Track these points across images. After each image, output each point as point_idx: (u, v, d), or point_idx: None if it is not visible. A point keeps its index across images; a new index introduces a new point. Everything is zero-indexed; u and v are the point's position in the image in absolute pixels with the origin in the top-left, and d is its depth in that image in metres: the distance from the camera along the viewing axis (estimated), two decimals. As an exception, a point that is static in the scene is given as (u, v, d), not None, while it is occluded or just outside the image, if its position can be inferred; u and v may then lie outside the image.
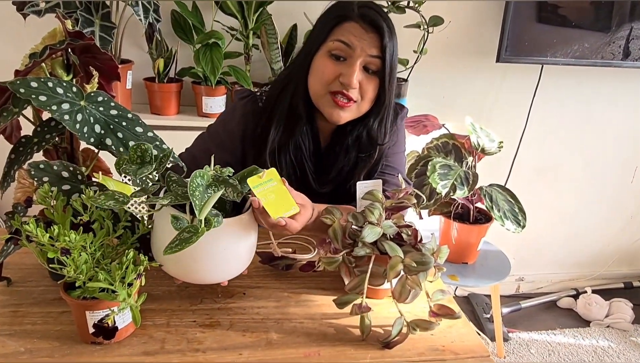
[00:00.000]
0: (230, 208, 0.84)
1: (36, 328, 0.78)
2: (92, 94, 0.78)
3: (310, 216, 0.90)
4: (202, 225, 0.70)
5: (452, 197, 1.49)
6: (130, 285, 0.71)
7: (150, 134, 0.81)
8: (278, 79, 1.12)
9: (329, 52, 0.99)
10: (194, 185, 0.71)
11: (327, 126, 1.11)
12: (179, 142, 1.76)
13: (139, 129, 0.81)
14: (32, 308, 0.82)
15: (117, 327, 0.72)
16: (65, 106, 0.76)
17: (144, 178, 0.80)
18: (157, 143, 0.82)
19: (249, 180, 0.78)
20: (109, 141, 0.78)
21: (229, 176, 0.77)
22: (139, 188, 0.77)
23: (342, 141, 1.10)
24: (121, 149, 0.78)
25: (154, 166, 0.73)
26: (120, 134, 0.79)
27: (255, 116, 1.09)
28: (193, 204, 0.69)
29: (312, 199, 0.96)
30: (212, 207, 0.71)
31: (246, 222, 0.82)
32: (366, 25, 0.98)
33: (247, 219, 0.82)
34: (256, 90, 1.15)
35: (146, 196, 0.74)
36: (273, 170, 0.83)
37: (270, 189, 0.81)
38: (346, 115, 1.02)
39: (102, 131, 0.78)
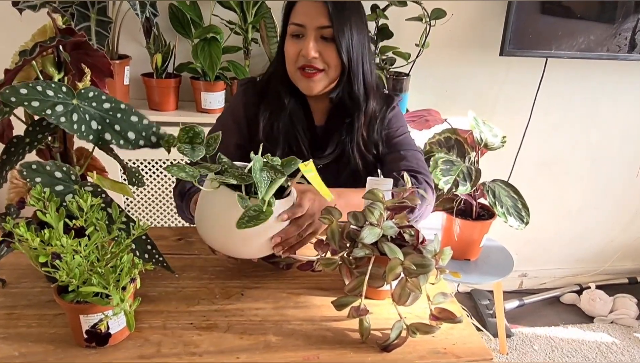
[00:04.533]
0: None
1: (31, 331, 0.77)
2: (83, 91, 0.76)
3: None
4: (267, 205, 0.78)
5: (454, 193, 1.48)
6: (124, 288, 0.69)
7: (145, 121, 0.81)
8: (268, 69, 1.25)
9: (290, 35, 1.13)
10: (255, 168, 0.78)
11: (320, 105, 1.21)
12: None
13: (134, 119, 0.80)
14: (26, 311, 0.81)
15: (110, 333, 0.71)
16: (59, 108, 0.74)
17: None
18: (154, 129, 0.81)
19: (301, 165, 0.84)
20: (108, 136, 0.77)
21: (277, 164, 0.85)
22: (202, 165, 0.82)
23: (335, 116, 1.20)
24: (121, 142, 0.77)
25: (204, 148, 0.80)
26: (117, 127, 0.78)
27: (255, 96, 1.22)
28: (257, 186, 0.77)
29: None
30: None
31: (287, 205, 0.88)
32: None
33: (289, 202, 0.89)
34: (255, 77, 1.28)
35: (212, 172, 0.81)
36: (311, 162, 0.87)
37: (313, 177, 0.86)
38: (317, 85, 1.13)
39: (100, 127, 0.76)
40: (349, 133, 1.18)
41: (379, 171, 1.19)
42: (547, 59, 1.99)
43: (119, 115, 0.79)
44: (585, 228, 2.47)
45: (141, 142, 0.80)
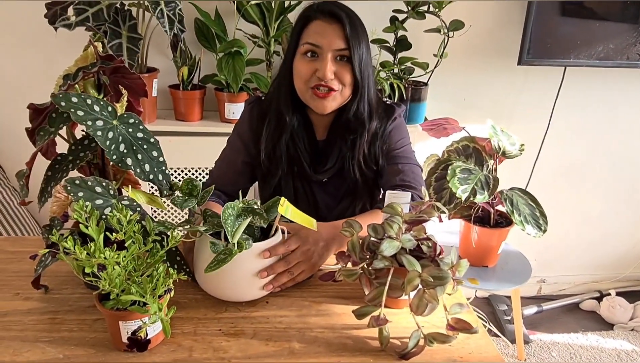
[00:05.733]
0: (259, 234, 0.94)
1: (73, 335, 0.82)
2: (125, 115, 0.82)
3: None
4: (235, 248, 0.81)
5: (472, 201, 1.50)
6: (160, 297, 0.75)
7: (161, 159, 0.87)
8: (271, 87, 1.25)
9: (302, 54, 1.12)
10: (226, 215, 0.82)
11: (323, 120, 1.22)
12: (202, 147, 1.80)
13: (154, 153, 0.86)
14: (68, 316, 0.87)
15: (149, 340, 0.76)
16: (99, 123, 0.80)
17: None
18: (163, 167, 0.88)
19: (280, 209, 0.87)
20: (129, 161, 0.83)
21: (255, 206, 0.87)
22: (185, 219, 0.89)
23: (336, 131, 1.21)
24: (137, 171, 0.83)
25: (197, 200, 0.87)
26: (139, 156, 0.84)
27: (261, 115, 1.23)
28: (226, 230, 0.80)
29: (310, 187, 1.21)
30: (243, 233, 0.83)
31: (272, 244, 0.91)
32: (327, 18, 1.10)
33: (274, 241, 0.91)
34: (261, 95, 1.29)
35: (189, 225, 0.87)
36: (286, 201, 0.91)
37: (294, 213, 0.90)
38: (331, 104, 1.13)
39: (125, 151, 0.82)
40: (351, 150, 1.20)
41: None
42: (565, 68, 1.99)
43: (145, 146, 0.85)
44: (605, 234, 2.46)
45: (151, 176, 0.86)
